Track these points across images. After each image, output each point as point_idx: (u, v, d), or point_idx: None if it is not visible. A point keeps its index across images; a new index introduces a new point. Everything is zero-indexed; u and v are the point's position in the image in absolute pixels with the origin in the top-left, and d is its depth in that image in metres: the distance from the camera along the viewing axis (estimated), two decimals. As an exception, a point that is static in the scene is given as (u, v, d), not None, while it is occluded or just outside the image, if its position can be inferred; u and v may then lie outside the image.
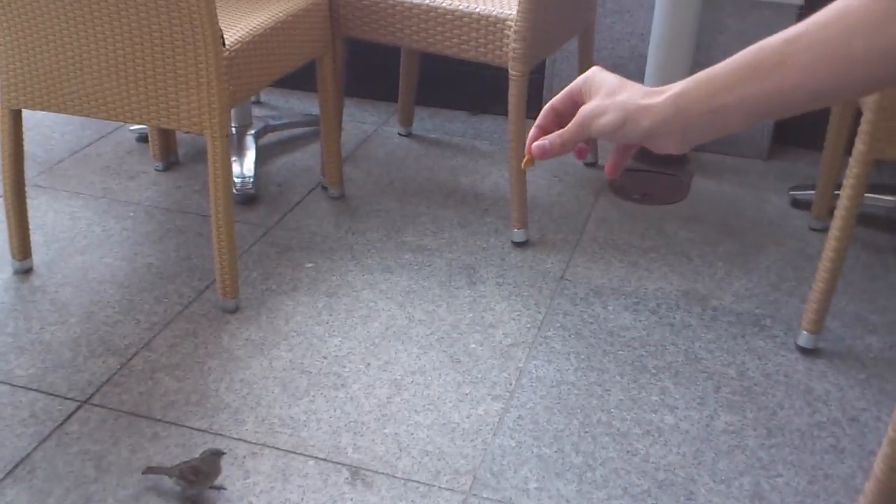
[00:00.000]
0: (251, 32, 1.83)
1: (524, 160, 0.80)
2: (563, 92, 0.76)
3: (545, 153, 0.77)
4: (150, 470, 1.48)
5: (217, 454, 1.46)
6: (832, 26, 0.60)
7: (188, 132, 1.81)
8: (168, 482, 1.46)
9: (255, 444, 1.55)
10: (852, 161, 1.67)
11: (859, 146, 1.66)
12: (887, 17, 0.58)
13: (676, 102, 0.67)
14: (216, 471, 1.45)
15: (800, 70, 0.61)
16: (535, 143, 0.77)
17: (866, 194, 1.74)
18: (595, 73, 0.74)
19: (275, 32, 1.91)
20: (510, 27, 1.97)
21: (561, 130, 0.75)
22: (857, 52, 0.59)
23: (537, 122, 0.78)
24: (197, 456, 1.46)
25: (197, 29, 1.66)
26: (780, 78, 0.62)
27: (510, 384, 1.70)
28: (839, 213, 1.70)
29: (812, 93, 0.62)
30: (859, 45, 0.59)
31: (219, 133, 1.74)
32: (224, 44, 1.74)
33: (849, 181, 1.68)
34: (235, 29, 1.83)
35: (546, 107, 0.77)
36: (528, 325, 1.87)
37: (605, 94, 0.71)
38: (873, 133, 1.63)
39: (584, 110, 0.72)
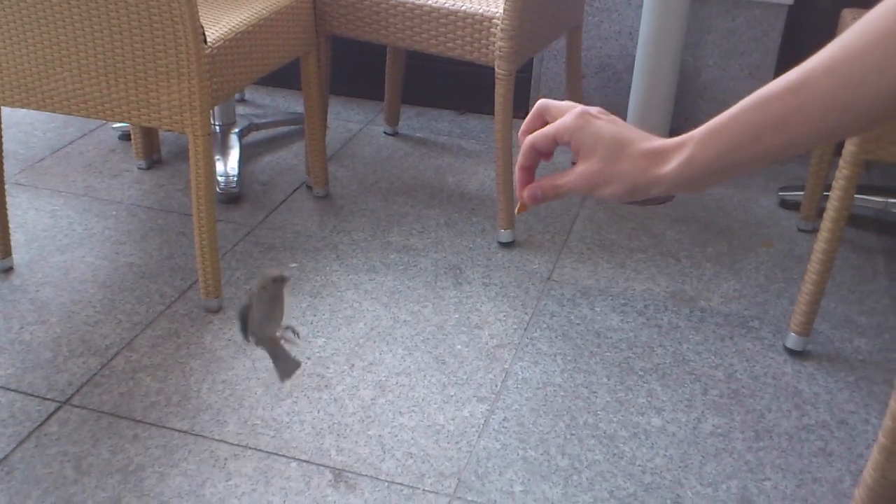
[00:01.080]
0: (233, 29, 1.81)
1: (517, 207, 0.78)
2: (545, 133, 0.72)
3: (538, 201, 0.75)
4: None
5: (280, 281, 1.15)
6: (837, 72, 0.59)
7: (170, 130, 1.78)
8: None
9: (237, 445, 1.53)
10: (842, 162, 1.66)
11: (849, 147, 1.65)
12: (884, 59, 0.57)
13: (686, 170, 0.66)
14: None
15: (808, 120, 0.60)
16: (528, 192, 0.75)
17: (855, 195, 1.73)
18: (584, 125, 0.70)
19: (258, 30, 1.88)
20: (496, 25, 1.95)
21: (558, 180, 0.73)
22: (868, 94, 0.58)
23: (521, 162, 0.75)
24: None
25: (178, 26, 1.63)
26: (789, 130, 0.61)
27: (496, 386, 1.68)
28: (828, 214, 1.69)
29: (819, 137, 0.61)
30: (869, 88, 0.58)
31: (200, 131, 1.72)
32: (206, 41, 1.71)
33: (838, 182, 1.67)
34: (217, 26, 1.81)
35: (526, 147, 0.74)
36: (515, 327, 1.85)
37: (603, 157, 0.69)
38: (863, 134, 1.62)
39: (585, 174, 0.70)
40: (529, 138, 0.74)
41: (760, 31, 2.47)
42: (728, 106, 0.65)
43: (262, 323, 1.13)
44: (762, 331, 1.86)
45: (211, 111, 2.43)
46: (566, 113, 0.72)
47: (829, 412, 1.64)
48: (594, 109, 0.72)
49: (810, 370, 1.75)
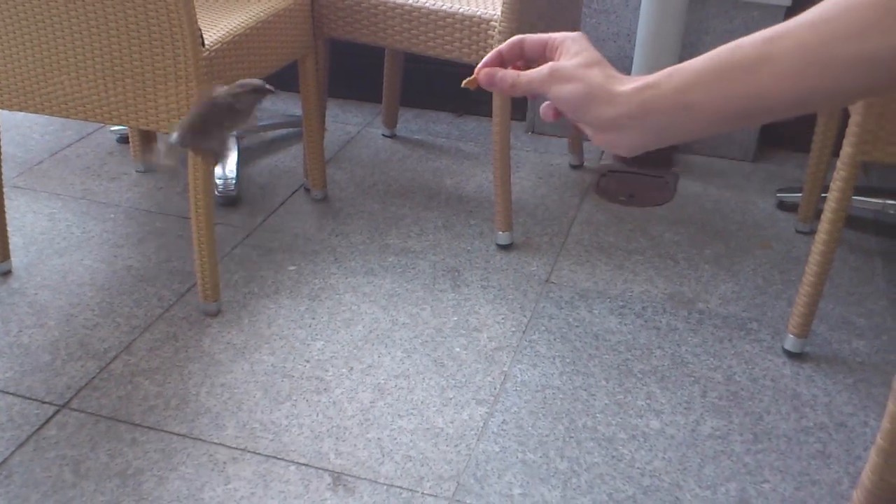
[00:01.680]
0: (231, 32, 1.81)
1: (467, 79, 0.74)
2: (538, 36, 0.71)
3: (491, 83, 0.71)
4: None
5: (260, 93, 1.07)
6: (818, 28, 0.57)
7: (168, 133, 1.78)
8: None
9: (235, 449, 1.53)
10: (839, 163, 1.66)
11: (846, 148, 1.65)
12: (878, 23, 0.54)
13: (643, 95, 0.62)
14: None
15: (779, 72, 0.57)
16: (486, 70, 0.71)
17: (854, 196, 1.73)
18: (580, 37, 0.69)
19: (255, 32, 1.88)
20: (494, 28, 1.95)
21: (520, 72, 0.69)
22: (843, 58, 0.55)
23: (501, 48, 0.72)
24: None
25: (175, 28, 1.63)
26: (758, 79, 0.58)
27: (495, 388, 1.68)
28: (826, 216, 1.69)
29: (788, 98, 0.58)
30: (846, 51, 0.55)
31: (199, 134, 1.72)
32: (203, 43, 1.71)
33: (836, 184, 1.67)
34: (215, 28, 1.81)
35: (515, 39, 0.71)
36: (513, 329, 1.85)
37: (579, 62, 0.66)
38: (861, 135, 1.62)
39: (554, 67, 0.67)
40: (519, 36, 0.72)
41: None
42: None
43: (207, 131, 1.06)
44: (761, 333, 1.86)
45: (209, 114, 2.44)
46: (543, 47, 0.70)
47: (828, 414, 1.64)
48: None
49: (809, 372, 1.75)
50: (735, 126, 0.62)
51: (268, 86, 1.07)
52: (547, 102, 0.71)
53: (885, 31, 0.54)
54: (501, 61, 0.72)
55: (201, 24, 1.75)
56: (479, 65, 0.72)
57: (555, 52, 0.69)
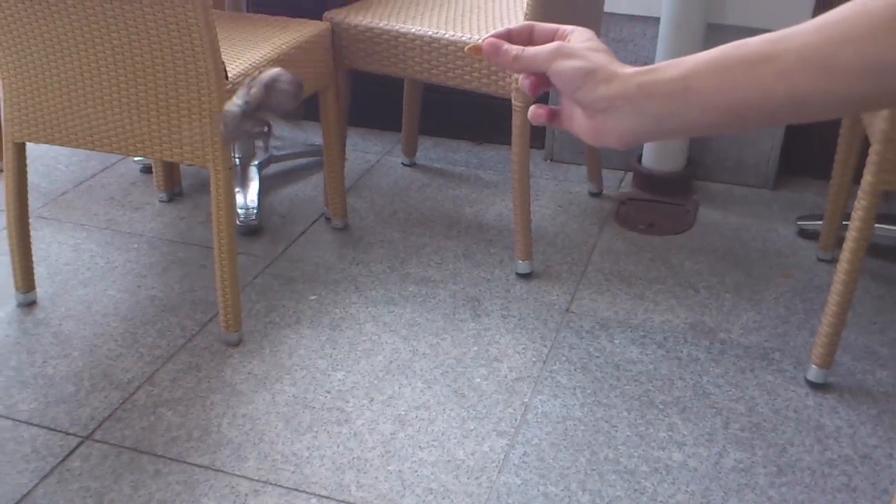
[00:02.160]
0: (254, 65, 1.83)
1: (471, 45, 0.74)
2: (549, 25, 0.71)
3: (495, 53, 0.71)
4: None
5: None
6: (825, 31, 0.56)
7: (191, 164, 1.80)
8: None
9: (257, 481, 1.53)
10: (860, 192, 1.66)
11: (867, 177, 1.65)
12: (884, 28, 0.54)
13: (643, 77, 0.62)
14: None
15: (779, 70, 0.57)
16: (491, 40, 0.71)
17: (875, 224, 1.72)
18: (591, 31, 0.69)
19: (277, 64, 1.90)
20: (514, 59, 1.96)
21: (526, 48, 0.69)
22: (845, 61, 0.55)
23: (511, 27, 0.72)
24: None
25: (200, 63, 1.66)
26: (757, 74, 0.58)
27: (515, 420, 1.68)
28: (847, 245, 1.68)
29: (784, 97, 0.58)
30: (849, 55, 0.55)
31: (222, 166, 1.74)
32: (227, 77, 1.74)
33: (857, 213, 1.67)
34: (238, 62, 1.83)
35: (526, 23, 0.72)
36: (534, 359, 1.85)
37: (586, 45, 0.67)
38: (881, 164, 1.62)
39: (560, 44, 0.67)
40: (533, 23, 0.72)
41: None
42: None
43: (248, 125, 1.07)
44: (783, 363, 1.85)
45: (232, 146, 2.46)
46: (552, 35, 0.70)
47: (853, 446, 1.63)
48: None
49: (832, 403, 1.74)
50: (729, 124, 0.62)
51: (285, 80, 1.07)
52: (528, 75, 0.71)
53: (891, 34, 0.53)
54: (509, 39, 0.71)
55: (224, 57, 1.77)
56: (486, 36, 0.72)
57: (564, 39, 0.69)
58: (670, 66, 0.62)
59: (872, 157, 1.63)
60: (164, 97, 1.71)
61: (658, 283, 2.12)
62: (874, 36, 0.54)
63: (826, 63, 0.56)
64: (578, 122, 0.68)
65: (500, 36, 0.71)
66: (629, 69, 0.64)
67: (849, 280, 1.68)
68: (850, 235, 1.68)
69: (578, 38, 0.68)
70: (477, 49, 0.73)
